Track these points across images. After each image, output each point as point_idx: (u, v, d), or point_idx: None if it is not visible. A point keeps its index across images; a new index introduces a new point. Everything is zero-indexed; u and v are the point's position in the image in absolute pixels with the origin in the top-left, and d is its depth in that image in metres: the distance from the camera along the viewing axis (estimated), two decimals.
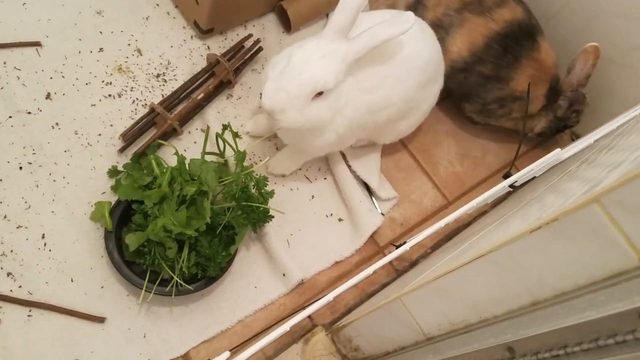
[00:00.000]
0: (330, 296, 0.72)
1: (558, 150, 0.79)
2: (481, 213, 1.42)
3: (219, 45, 1.37)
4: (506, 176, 0.86)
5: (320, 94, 1.05)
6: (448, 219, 0.78)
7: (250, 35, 1.36)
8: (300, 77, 1.02)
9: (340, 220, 1.31)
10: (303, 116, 1.04)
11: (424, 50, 1.19)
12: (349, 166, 1.33)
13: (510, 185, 0.87)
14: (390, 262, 1.32)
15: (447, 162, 1.48)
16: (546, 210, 0.62)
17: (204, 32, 1.32)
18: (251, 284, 1.18)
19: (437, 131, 1.51)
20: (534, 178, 0.95)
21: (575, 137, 1.62)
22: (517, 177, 0.79)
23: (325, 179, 1.34)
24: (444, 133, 1.51)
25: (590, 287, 0.52)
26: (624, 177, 0.46)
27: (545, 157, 0.78)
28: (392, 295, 0.87)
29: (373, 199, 1.35)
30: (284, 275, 1.19)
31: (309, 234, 1.26)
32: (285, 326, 0.66)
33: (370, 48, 1.05)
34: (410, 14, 1.05)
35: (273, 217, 1.14)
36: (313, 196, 1.31)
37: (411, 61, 1.16)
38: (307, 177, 1.33)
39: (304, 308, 0.77)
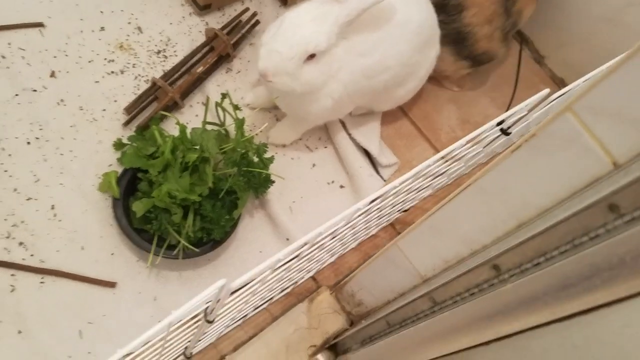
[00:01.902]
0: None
1: (547, 90, 0.81)
2: None
3: (217, 21, 1.39)
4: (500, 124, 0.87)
5: (312, 56, 1.07)
6: (440, 154, 0.80)
7: (247, 9, 1.39)
8: (292, 38, 1.04)
9: (341, 187, 1.33)
10: (296, 79, 1.07)
11: (417, 13, 1.20)
12: (349, 134, 1.35)
13: (503, 132, 0.89)
14: (393, 226, 1.35)
15: (448, 128, 1.49)
16: None
17: (202, 8, 1.35)
18: (256, 249, 1.20)
19: (437, 98, 1.52)
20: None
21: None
22: (505, 116, 0.80)
23: (325, 147, 1.36)
24: (444, 99, 1.52)
25: (569, 199, 0.54)
26: (592, 81, 0.48)
27: (534, 97, 0.80)
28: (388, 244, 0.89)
29: (374, 165, 1.37)
30: (287, 239, 1.22)
31: (311, 201, 1.29)
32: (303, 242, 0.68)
33: (361, 10, 1.06)
34: None
35: (274, 182, 1.17)
36: (314, 165, 1.33)
37: (405, 25, 1.17)
38: (307, 147, 1.35)
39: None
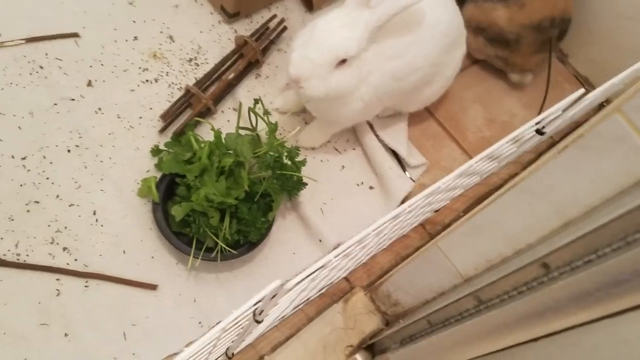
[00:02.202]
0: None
1: (582, 90, 0.82)
2: (511, 176, 1.44)
3: (245, 28, 1.42)
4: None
5: (343, 62, 1.09)
6: (479, 156, 0.81)
7: (274, 16, 1.41)
8: (323, 45, 1.06)
9: (371, 188, 1.35)
10: (327, 84, 1.09)
11: (445, 14, 1.22)
12: (377, 136, 1.37)
13: (538, 132, 0.90)
14: (423, 226, 1.36)
15: (475, 127, 1.50)
16: None
17: (231, 16, 1.38)
18: (289, 251, 1.23)
19: (463, 98, 1.53)
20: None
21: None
22: (542, 117, 0.82)
23: (354, 149, 1.38)
24: (470, 99, 1.54)
25: (617, 198, 0.55)
26: None
27: (569, 98, 0.81)
28: (428, 244, 0.91)
29: (403, 166, 1.38)
30: (320, 241, 1.24)
31: (341, 203, 1.31)
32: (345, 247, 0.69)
33: (391, 15, 1.08)
34: None
35: (306, 184, 1.19)
36: (343, 166, 1.35)
37: (434, 26, 1.19)
38: (336, 149, 1.37)
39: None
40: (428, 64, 1.22)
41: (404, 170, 1.38)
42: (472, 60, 1.57)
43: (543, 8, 1.38)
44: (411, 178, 1.36)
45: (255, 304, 0.62)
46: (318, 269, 0.66)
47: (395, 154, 1.39)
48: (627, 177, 0.54)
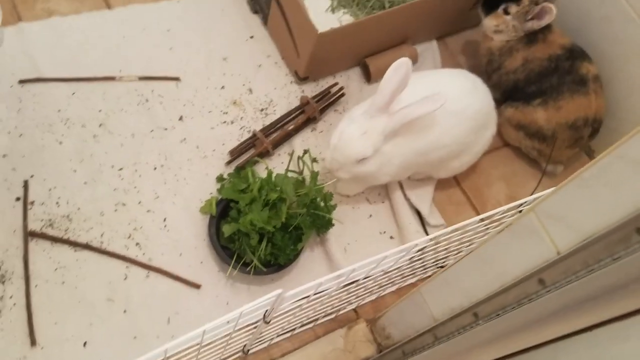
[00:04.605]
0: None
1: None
2: None
3: (311, 89, 1.71)
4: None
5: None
6: (479, 217, 1.03)
7: (336, 84, 1.69)
8: (345, 151, 1.34)
9: (391, 237, 1.57)
10: (353, 173, 1.38)
11: (475, 102, 1.43)
12: (404, 194, 1.59)
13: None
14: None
15: (495, 201, 1.68)
16: None
17: (301, 79, 1.68)
18: (312, 279, 1.39)
19: (490, 174, 1.73)
20: None
21: None
22: (528, 199, 1.02)
23: (383, 202, 1.61)
24: (496, 177, 1.72)
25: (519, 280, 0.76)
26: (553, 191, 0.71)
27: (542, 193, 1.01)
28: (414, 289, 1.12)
29: (423, 224, 1.59)
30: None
31: (363, 246, 1.53)
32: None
33: (406, 121, 1.31)
34: (442, 95, 1.27)
35: (334, 225, 1.43)
36: (371, 215, 1.58)
37: (462, 112, 1.41)
38: (367, 199, 1.61)
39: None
40: (455, 142, 1.44)
41: (424, 228, 1.59)
42: (504, 142, 1.77)
43: (577, 110, 1.57)
44: (427, 233, 1.57)
45: (258, 304, 0.86)
46: (310, 290, 0.89)
47: (418, 213, 1.60)
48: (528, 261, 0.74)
